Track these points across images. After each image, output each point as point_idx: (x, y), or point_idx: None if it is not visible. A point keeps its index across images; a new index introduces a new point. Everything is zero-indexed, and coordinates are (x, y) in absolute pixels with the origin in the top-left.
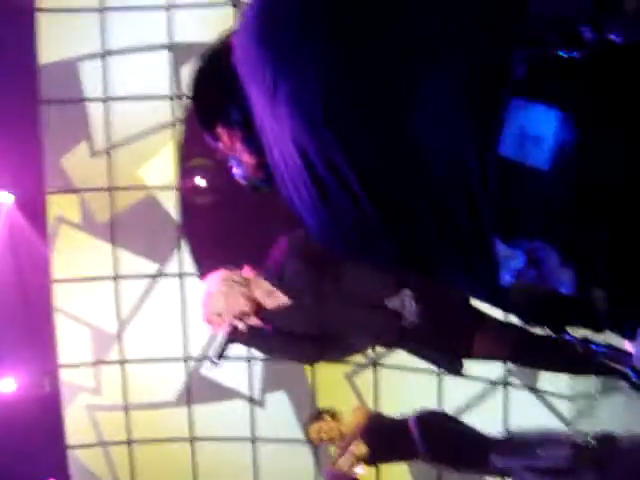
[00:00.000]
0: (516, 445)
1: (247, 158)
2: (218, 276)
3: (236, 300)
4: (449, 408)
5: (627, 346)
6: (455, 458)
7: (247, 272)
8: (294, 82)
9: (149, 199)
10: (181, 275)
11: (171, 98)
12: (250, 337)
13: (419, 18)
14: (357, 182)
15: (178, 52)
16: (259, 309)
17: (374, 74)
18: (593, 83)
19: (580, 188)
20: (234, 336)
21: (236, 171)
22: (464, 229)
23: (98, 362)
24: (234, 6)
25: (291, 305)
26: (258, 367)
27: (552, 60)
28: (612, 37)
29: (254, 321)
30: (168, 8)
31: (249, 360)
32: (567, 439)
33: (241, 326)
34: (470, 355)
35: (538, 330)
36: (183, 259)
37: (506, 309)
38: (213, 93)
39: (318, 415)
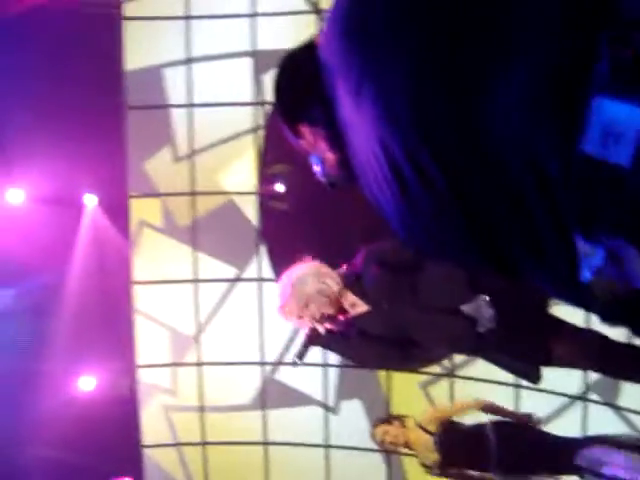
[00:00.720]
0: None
1: (329, 155)
2: (313, 268)
3: (325, 301)
4: None
5: None
6: (530, 467)
7: (340, 275)
8: (380, 79)
9: (229, 204)
10: (259, 280)
11: (253, 105)
12: (331, 340)
13: (503, 10)
14: (440, 179)
15: (260, 59)
16: (342, 314)
17: (458, 70)
18: None
19: None
20: (315, 338)
21: (317, 169)
22: (544, 225)
23: (175, 363)
24: (316, 13)
25: (371, 312)
26: (333, 374)
27: (637, 58)
28: None
29: (336, 325)
30: (251, 16)
31: (324, 366)
32: None
33: (322, 329)
34: (549, 362)
35: (619, 334)
36: (262, 264)
37: (586, 306)
38: (296, 90)
39: (387, 419)
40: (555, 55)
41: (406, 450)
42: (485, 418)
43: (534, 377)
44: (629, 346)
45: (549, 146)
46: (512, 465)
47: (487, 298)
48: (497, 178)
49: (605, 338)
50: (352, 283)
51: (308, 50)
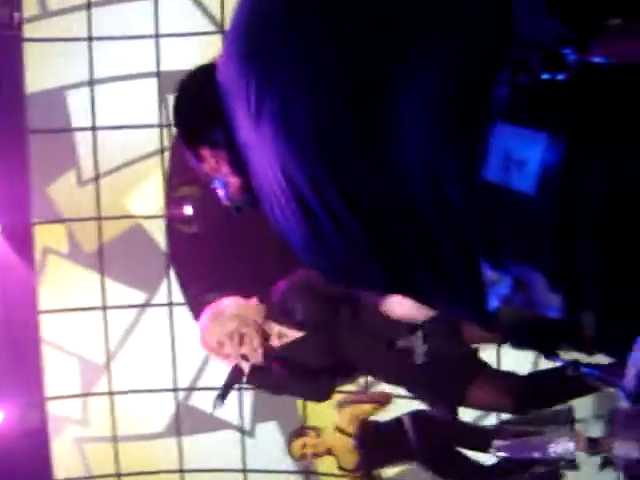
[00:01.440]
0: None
1: (232, 179)
2: (234, 303)
3: (251, 337)
4: None
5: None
6: (450, 455)
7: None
8: (279, 99)
9: (137, 228)
10: (170, 305)
11: (159, 126)
12: (258, 377)
13: (403, 29)
14: (345, 209)
15: (165, 80)
16: (269, 349)
17: (361, 97)
18: (577, 105)
19: (566, 212)
20: (239, 376)
21: (221, 193)
22: (450, 253)
23: (86, 394)
24: (221, 34)
25: (302, 340)
26: (248, 397)
27: (536, 82)
28: (595, 59)
29: (261, 360)
30: (155, 37)
31: (239, 389)
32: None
33: (247, 367)
34: (464, 404)
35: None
36: (171, 288)
37: (495, 332)
38: (196, 114)
39: (301, 431)
40: (455, 81)
41: (327, 457)
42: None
43: (449, 415)
44: (549, 376)
45: (451, 173)
46: (433, 454)
47: (421, 333)
48: (403, 206)
49: (528, 380)
50: (278, 312)
51: (207, 71)
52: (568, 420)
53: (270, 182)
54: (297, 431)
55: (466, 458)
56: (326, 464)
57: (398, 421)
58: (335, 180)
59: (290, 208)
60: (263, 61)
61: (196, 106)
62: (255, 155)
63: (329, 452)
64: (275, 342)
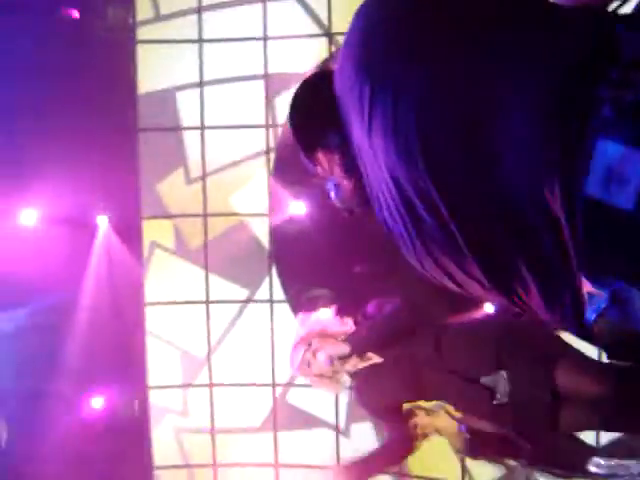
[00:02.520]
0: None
1: (345, 182)
2: (310, 326)
3: (319, 363)
4: None
5: None
6: (559, 463)
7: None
8: (390, 112)
9: (241, 226)
10: (271, 301)
11: (265, 127)
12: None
13: (505, 47)
14: (447, 212)
15: (272, 82)
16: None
17: (467, 113)
18: None
19: None
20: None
21: (333, 195)
22: (551, 265)
23: (187, 385)
24: (328, 37)
25: (384, 368)
26: (344, 396)
27: (639, 101)
28: None
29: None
30: (263, 39)
31: None
32: None
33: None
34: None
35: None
36: (273, 286)
37: (592, 343)
38: (313, 118)
39: (410, 411)
40: (560, 97)
41: (421, 458)
42: None
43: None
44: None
45: (555, 188)
46: (540, 455)
47: (505, 374)
48: (506, 218)
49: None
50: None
51: (323, 77)
52: None
53: (380, 185)
54: (407, 411)
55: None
56: (418, 465)
57: None
58: (443, 197)
59: (398, 212)
60: (378, 71)
61: (313, 110)
62: (367, 159)
63: (437, 432)
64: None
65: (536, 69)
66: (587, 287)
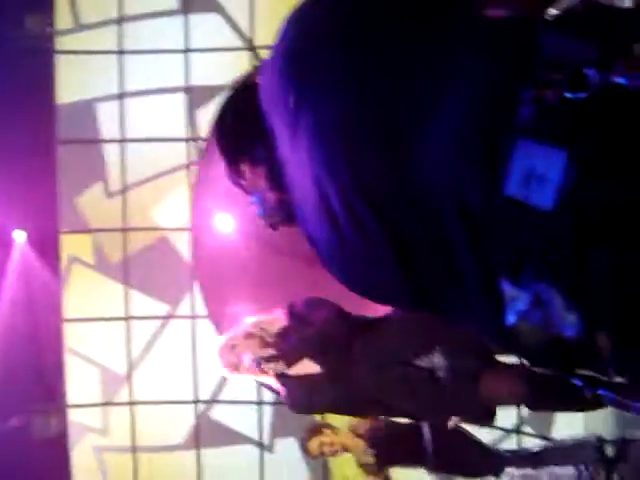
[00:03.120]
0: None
1: (270, 195)
2: (223, 349)
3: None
4: None
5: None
6: (464, 469)
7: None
8: (315, 113)
9: (162, 240)
10: (192, 317)
11: (186, 140)
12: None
13: (432, 47)
14: (373, 223)
15: (194, 95)
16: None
17: (388, 105)
18: (598, 124)
19: (583, 229)
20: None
21: (258, 208)
22: (470, 267)
23: (107, 403)
24: (250, 50)
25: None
26: (268, 411)
27: (559, 101)
28: (619, 80)
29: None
30: (185, 51)
31: (259, 404)
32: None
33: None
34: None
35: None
36: (195, 301)
37: (511, 350)
38: (238, 130)
39: (317, 429)
40: (480, 98)
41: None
42: None
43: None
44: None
45: (474, 188)
46: (445, 462)
47: (440, 349)
48: (426, 219)
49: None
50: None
51: (249, 89)
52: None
53: (304, 194)
54: (313, 429)
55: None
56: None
57: (416, 427)
58: (361, 192)
59: (321, 218)
60: (304, 77)
61: (238, 122)
62: (292, 169)
63: (346, 449)
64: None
65: (460, 72)
66: (506, 289)
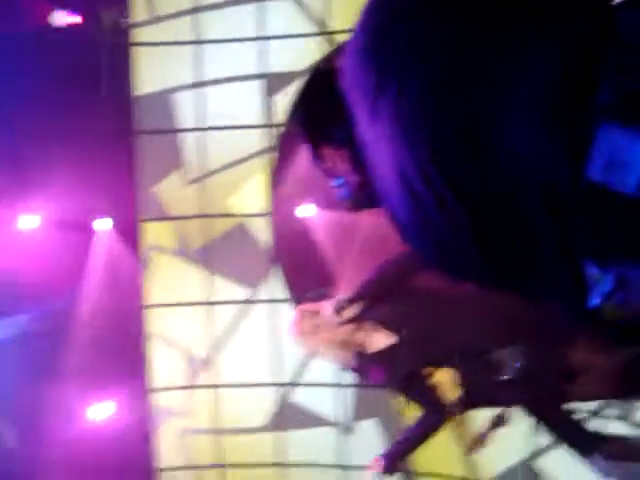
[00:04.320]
0: None
1: (353, 177)
2: (299, 315)
3: (327, 347)
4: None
5: None
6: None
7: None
8: (396, 88)
9: (241, 227)
10: (273, 301)
11: (263, 127)
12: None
13: (507, 32)
14: (453, 200)
15: (270, 82)
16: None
17: (469, 83)
18: None
19: None
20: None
21: (340, 191)
22: (553, 251)
23: (190, 386)
24: (326, 35)
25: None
26: (348, 394)
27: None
28: None
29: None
30: (260, 39)
31: (339, 386)
32: None
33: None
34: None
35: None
36: (274, 286)
37: (596, 330)
38: (319, 114)
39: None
40: (559, 80)
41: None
42: None
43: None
44: None
45: (557, 173)
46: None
47: (519, 348)
48: (509, 204)
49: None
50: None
51: (328, 73)
52: None
53: (385, 172)
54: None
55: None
56: (424, 463)
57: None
58: (440, 166)
59: (402, 195)
60: (382, 61)
61: (318, 106)
62: (372, 148)
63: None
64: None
65: (537, 54)
66: (590, 271)
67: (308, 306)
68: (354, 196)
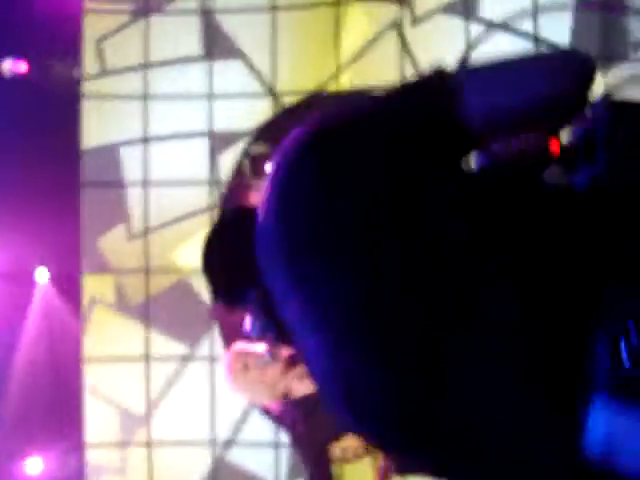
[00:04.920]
0: None
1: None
2: (232, 354)
3: (254, 388)
4: None
5: None
6: None
7: (273, 351)
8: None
9: (183, 282)
10: (211, 358)
11: (209, 184)
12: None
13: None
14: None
15: (217, 140)
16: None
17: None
18: None
19: None
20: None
21: (249, 327)
22: None
23: (124, 443)
24: (273, 96)
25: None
26: (284, 453)
27: (634, 354)
28: None
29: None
30: (208, 97)
31: (276, 446)
32: None
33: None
34: None
35: None
36: (214, 342)
37: None
38: (232, 270)
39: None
40: (550, 352)
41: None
42: None
43: None
44: None
45: (547, 447)
46: None
47: None
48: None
49: None
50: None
51: (241, 222)
52: None
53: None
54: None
55: None
56: None
57: None
58: (352, 405)
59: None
60: (310, 279)
61: (231, 260)
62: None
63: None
64: (295, 388)
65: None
66: None
67: (241, 345)
68: (261, 334)
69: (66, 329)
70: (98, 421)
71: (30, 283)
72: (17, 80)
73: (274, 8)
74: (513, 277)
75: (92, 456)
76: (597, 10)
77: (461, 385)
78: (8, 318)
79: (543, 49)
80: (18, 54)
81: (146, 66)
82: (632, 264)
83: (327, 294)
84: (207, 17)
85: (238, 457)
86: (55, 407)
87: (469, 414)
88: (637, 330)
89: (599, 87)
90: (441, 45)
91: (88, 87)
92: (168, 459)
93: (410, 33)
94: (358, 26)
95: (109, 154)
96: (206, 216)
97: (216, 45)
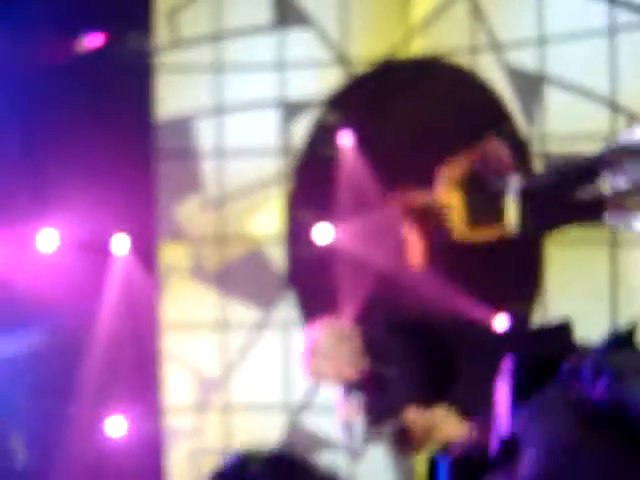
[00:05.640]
0: None
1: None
2: (324, 327)
3: (341, 358)
4: None
5: None
6: None
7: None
8: None
9: (257, 250)
10: (285, 324)
11: (281, 153)
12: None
13: None
14: None
15: (289, 109)
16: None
17: None
18: None
19: None
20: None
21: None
22: None
23: (201, 406)
24: (344, 64)
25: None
26: (358, 419)
27: None
28: None
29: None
30: (280, 66)
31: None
32: None
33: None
34: None
35: None
36: (288, 308)
37: None
38: None
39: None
40: None
41: None
42: None
43: None
44: None
45: None
46: None
47: None
48: None
49: None
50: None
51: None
52: None
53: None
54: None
55: None
56: None
57: None
58: None
59: None
60: None
61: None
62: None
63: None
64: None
65: None
66: None
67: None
68: None
69: (144, 296)
70: (176, 386)
71: (109, 251)
72: (93, 53)
73: None
74: None
75: (171, 419)
76: None
77: None
78: (89, 285)
79: (619, 10)
80: (93, 28)
81: (218, 37)
82: None
83: None
84: None
85: (312, 421)
86: (135, 372)
87: None
88: None
89: None
90: (512, 9)
91: (161, 59)
92: (243, 422)
93: None
94: None
95: (183, 125)
96: (279, 186)
97: (287, 14)
